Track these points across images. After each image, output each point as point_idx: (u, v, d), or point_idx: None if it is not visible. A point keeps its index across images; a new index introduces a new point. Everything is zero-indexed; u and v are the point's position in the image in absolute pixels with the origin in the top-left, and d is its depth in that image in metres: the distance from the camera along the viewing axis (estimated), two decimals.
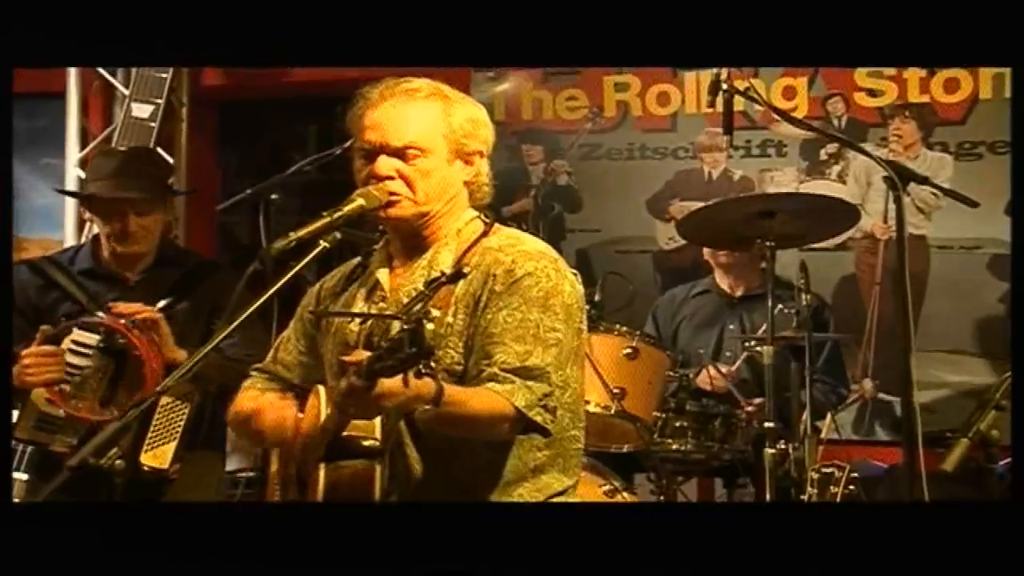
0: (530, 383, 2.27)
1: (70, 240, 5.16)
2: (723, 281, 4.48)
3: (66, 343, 3.23)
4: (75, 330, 3.23)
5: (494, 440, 2.35)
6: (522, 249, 2.39)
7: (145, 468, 3.23)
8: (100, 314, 3.28)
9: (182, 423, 3.29)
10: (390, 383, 2.06)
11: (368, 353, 2.08)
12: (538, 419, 2.28)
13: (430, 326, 1.96)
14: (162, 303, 3.36)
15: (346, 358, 2.16)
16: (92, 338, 3.23)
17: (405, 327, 1.99)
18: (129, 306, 3.27)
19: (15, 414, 3.28)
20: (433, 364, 2.06)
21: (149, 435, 3.25)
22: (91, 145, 5.42)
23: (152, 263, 3.50)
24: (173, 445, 3.27)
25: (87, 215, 3.67)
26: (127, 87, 5.24)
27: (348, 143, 2.52)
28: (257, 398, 2.55)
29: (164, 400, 3.25)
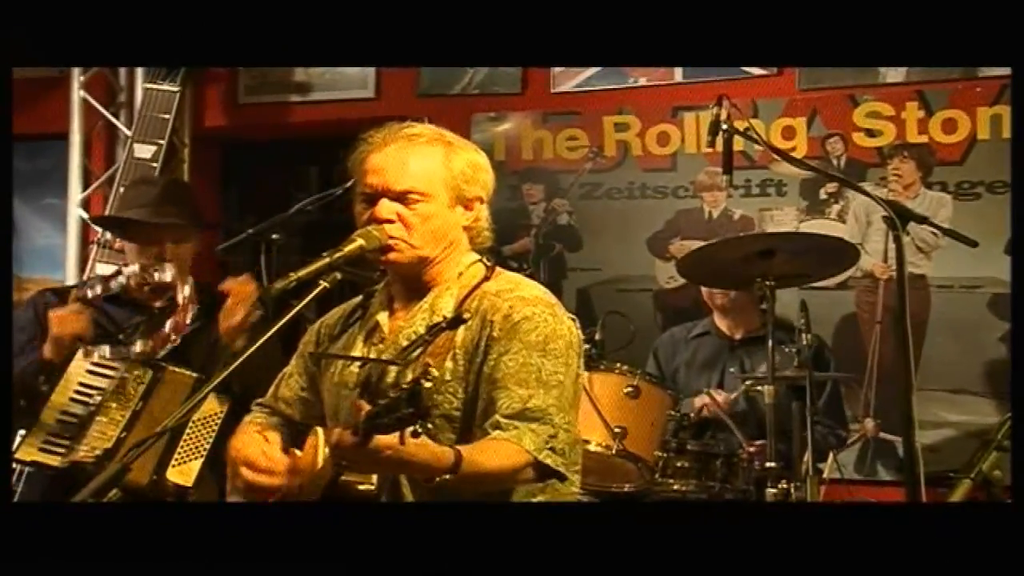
0: (533, 425, 2.26)
1: (71, 281, 5.16)
2: (722, 323, 4.48)
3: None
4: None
5: (520, 486, 2.34)
6: (519, 295, 2.39)
7: (170, 484, 3.15)
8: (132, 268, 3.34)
9: (211, 440, 3.22)
10: (388, 440, 2.02)
11: (366, 407, 2.04)
12: (548, 461, 2.27)
13: (428, 385, 1.94)
14: (187, 329, 3.45)
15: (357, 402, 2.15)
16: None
17: (404, 386, 1.97)
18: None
19: (20, 436, 3.28)
20: (433, 417, 2.04)
21: (178, 451, 3.18)
22: (93, 186, 5.45)
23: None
24: (199, 463, 3.20)
25: (118, 244, 3.69)
26: (129, 128, 5.27)
27: (349, 184, 2.54)
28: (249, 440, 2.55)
29: (197, 416, 3.20)
